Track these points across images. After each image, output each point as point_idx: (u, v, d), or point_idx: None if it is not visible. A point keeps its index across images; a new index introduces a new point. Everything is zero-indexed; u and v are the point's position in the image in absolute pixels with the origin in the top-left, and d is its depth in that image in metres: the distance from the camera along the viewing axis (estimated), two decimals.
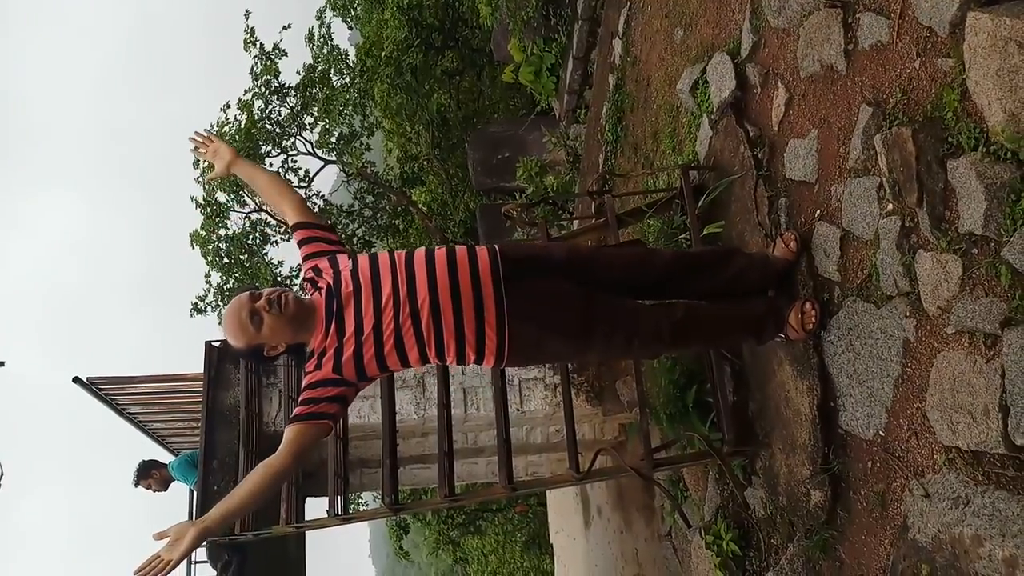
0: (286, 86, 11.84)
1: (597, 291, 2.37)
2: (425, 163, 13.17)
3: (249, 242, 11.80)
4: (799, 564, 2.67)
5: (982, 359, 1.84)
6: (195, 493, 5.57)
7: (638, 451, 3.24)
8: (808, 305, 2.51)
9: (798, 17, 2.67)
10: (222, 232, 11.67)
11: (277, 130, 11.84)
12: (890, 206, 2.16)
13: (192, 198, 11.55)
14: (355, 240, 12.83)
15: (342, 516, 4.01)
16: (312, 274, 2.33)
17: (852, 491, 2.41)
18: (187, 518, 3.79)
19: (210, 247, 11.54)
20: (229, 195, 11.36)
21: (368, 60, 11.88)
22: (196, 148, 2.60)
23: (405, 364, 2.24)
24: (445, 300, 2.16)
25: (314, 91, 12.00)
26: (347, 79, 12.64)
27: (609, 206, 3.51)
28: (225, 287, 11.69)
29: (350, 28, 14.55)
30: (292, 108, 11.96)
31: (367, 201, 13.53)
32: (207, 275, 11.89)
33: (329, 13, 12.92)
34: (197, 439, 5.91)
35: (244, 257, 11.74)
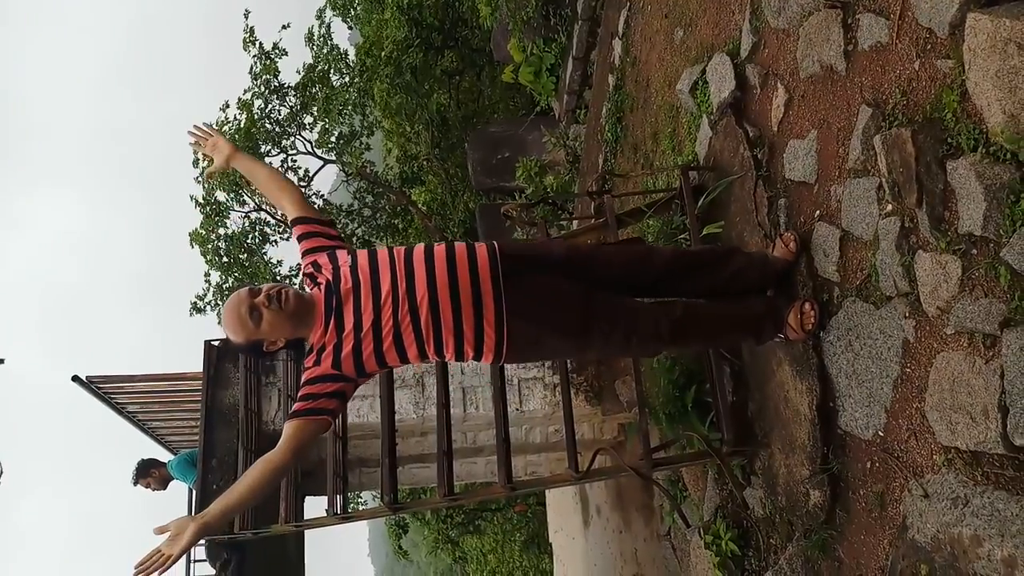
0: (286, 86, 11.84)
1: (596, 289, 2.37)
2: (425, 163, 13.17)
3: (248, 241, 11.81)
4: (798, 564, 2.67)
5: (981, 360, 1.84)
6: (194, 492, 5.58)
7: (637, 451, 3.25)
8: (807, 305, 2.51)
9: (798, 18, 2.68)
10: (221, 231, 11.68)
11: (277, 129, 11.85)
12: (889, 207, 2.16)
13: (192, 197, 11.56)
14: (355, 240, 12.83)
15: (341, 515, 4.01)
16: (311, 269, 2.33)
17: (851, 491, 2.41)
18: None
19: (209, 246, 11.54)
20: (228, 194, 11.36)
21: (368, 60, 11.89)
22: (196, 142, 2.60)
23: (404, 360, 2.25)
24: (444, 298, 2.17)
25: (314, 91, 12.00)
26: (347, 79, 12.64)
27: (609, 206, 3.51)
28: (224, 286, 11.70)
29: (350, 28, 14.56)
30: (292, 108, 11.96)
31: (366, 201, 13.54)
32: (207, 274, 11.90)
33: (329, 13, 12.93)
34: (196, 438, 5.92)
35: (243, 256, 11.75)
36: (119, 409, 6.44)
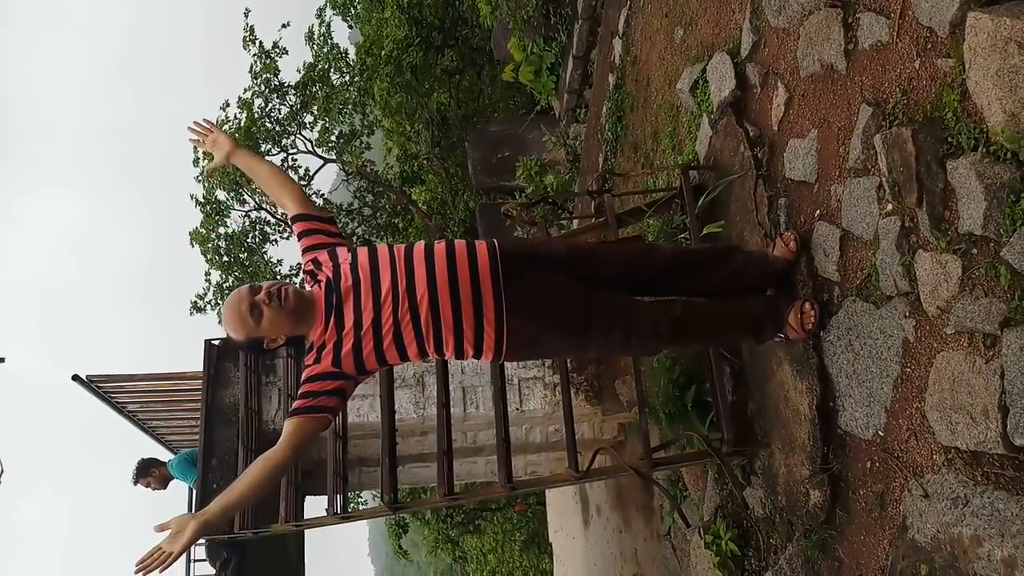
0: (286, 84, 11.84)
1: (596, 287, 2.37)
2: (425, 162, 13.17)
3: (249, 240, 11.82)
4: (798, 564, 2.67)
5: (981, 359, 1.84)
6: (194, 491, 5.58)
7: (637, 450, 3.24)
8: (807, 305, 2.51)
9: (798, 17, 2.67)
10: (222, 230, 11.69)
11: (277, 128, 11.85)
12: (890, 206, 2.16)
13: (192, 196, 11.56)
14: (355, 239, 12.83)
15: (341, 515, 4.01)
16: (312, 267, 2.33)
17: (851, 491, 2.41)
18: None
19: (210, 245, 11.55)
20: (229, 193, 11.37)
21: (368, 59, 11.89)
22: (196, 138, 2.60)
23: (404, 358, 2.25)
24: (444, 296, 2.17)
25: (314, 90, 12.00)
26: (347, 78, 12.64)
27: (609, 205, 3.51)
28: (225, 285, 11.71)
29: (350, 27, 14.55)
30: (292, 106, 11.97)
31: (367, 200, 13.55)
32: (207, 273, 11.92)
33: (329, 12, 12.93)
34: (196, 437, 5.91)
35: (244, 255, 11.76)
36: (119, 408, 6.44)
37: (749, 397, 3.05)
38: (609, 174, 4.77)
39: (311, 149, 12.56)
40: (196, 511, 2.28)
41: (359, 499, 12.07)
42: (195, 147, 10.21)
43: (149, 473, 5.74)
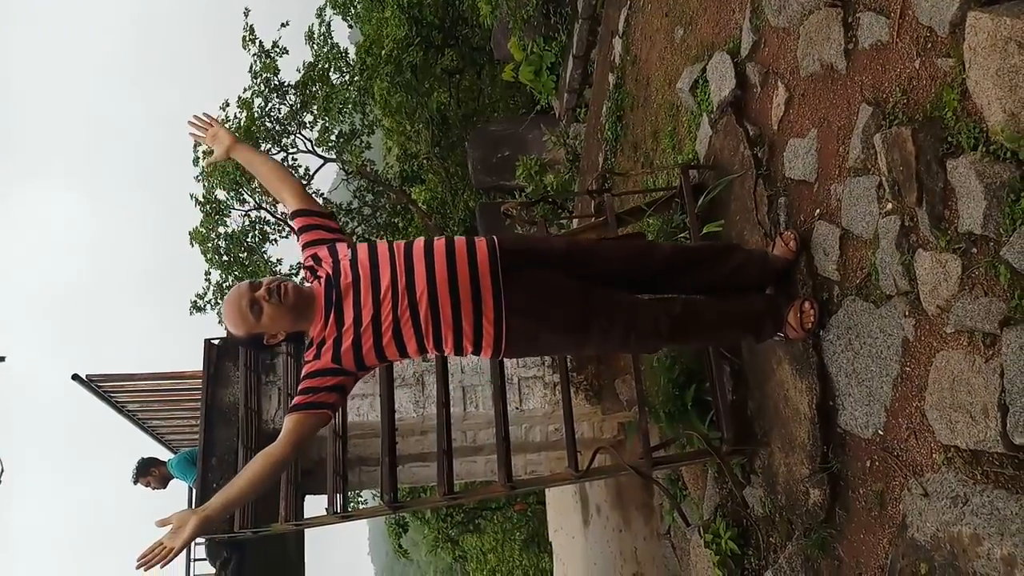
0: (286, 84, 11.84)
1: (595, 285, 2.37)
2: (425, 161, 13.18)
3: (249, 240, 11.82)
4: (798, 563, 2.67)
5: (981, 358, 1.84)
6: (194, 491, 5.58)
7: (637, 449, 3.25)
8: (807, 304, 2.51)
9: (798, 16, 2.67)
10: (221, 230, 11.69)
11: (277, 128, 11.86)
12: (889, 205, 2.16)
13: (192, 196, 11.56)
14: (355, 238, 12.84)
15: (341, 514, 4.01)
16: (311, 262, 2.33)
17: (851, 490, 2.41)
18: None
19: (210, 245, 11.56)
20: (228, 193, 11.37)
21: (368, 58, 11.89)
22: (196, 132, 2.59)
23: (403, 355, 2.25)
24: (443, 293, 2.17)
25: (314, 89, 12.00)
26: (347, 77, 12.64)
27: (609, 205, 3.51)
28: (224, 285, 11.72)
29: (350, 26, 14.56)
30: (292, 106, 11.97)
31: (367, 199, 13.55)
32: (207, 273, 11.92)
33: (329, 11, 12.93)
34: (196, 437, 5.91)
35: (244, 255, 11.77)
36: (119, 408, 6.44)
37: (749, 396, 3.05)
38: (609, 173, 4.78)
39: (311, 148, 12.56)
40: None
41: (359, 498, 12.08)
42: (195, 145, 10.21)
43: (149, 472, 5.74)
